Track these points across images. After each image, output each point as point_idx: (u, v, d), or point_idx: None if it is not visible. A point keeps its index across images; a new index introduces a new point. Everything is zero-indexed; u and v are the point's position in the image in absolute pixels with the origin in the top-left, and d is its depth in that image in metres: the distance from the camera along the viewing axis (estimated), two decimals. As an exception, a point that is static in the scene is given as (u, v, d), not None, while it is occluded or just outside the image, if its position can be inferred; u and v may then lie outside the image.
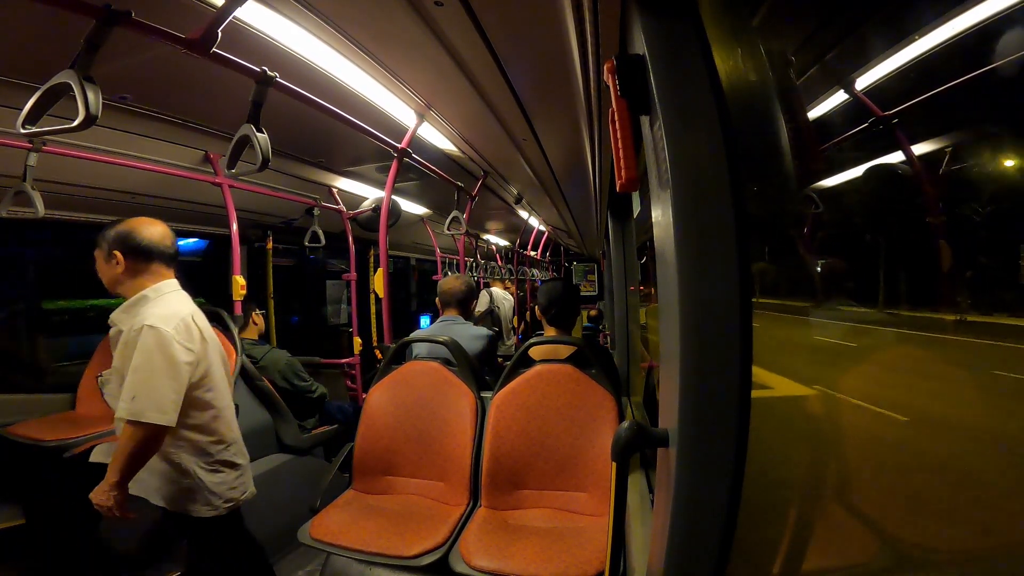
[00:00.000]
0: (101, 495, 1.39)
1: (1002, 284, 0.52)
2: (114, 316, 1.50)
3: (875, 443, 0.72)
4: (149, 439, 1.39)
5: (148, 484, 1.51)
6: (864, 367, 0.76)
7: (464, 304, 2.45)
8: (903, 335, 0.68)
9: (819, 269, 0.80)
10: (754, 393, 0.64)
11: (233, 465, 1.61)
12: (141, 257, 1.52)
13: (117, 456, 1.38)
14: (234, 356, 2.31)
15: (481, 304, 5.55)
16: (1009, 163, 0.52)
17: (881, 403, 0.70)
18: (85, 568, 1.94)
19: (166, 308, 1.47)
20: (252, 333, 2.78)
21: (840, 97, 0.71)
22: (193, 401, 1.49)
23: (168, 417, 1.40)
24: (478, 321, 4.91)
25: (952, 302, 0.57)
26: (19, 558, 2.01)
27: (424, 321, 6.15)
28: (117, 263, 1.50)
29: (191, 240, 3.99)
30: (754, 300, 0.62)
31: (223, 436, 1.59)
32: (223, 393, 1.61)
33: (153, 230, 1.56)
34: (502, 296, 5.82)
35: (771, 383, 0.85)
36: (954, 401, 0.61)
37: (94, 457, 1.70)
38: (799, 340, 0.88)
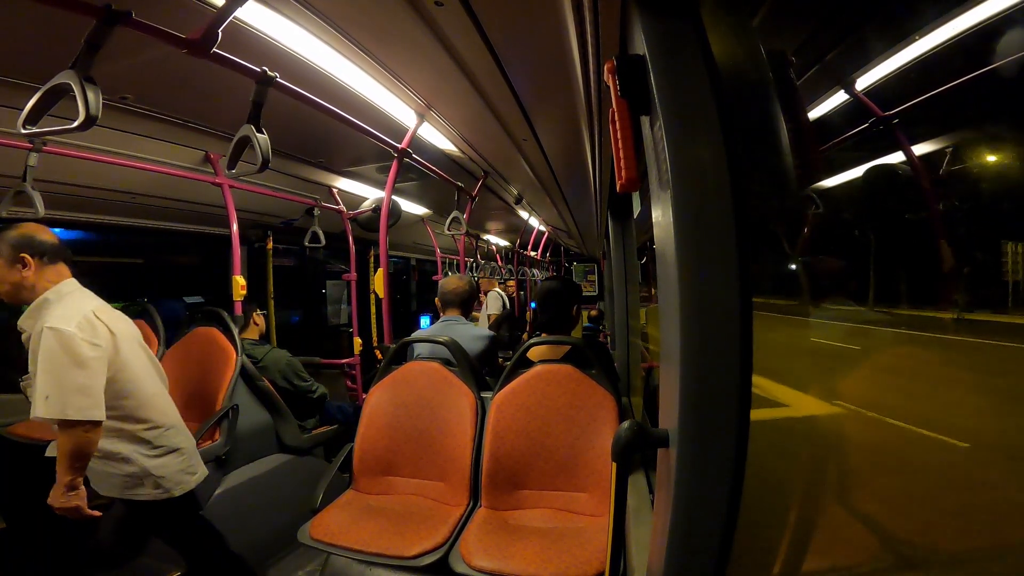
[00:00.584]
0: (59, 499, 1.42)
1: (986, 281, 0.52)
2: (21, 322, 1.51)
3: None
4: (80, 435, 1.41)
5: (95, 480, 1.56)
6: (883, 376, 0.70)
7: (466, 304, 2.45)
8: (908, 336, 0.65)
9: (819, 268, 0.79)
10: (771, 414, 0.62)
11: (174, 450, 1.66)
12: (48, 258, 1.53)
13: (59, 458, 1.42)
14: (234, 356, 2.32)
15: (495, 307, 5.54)
16: (1009, 161, 0.52)
17: (920, 422, 0.61)
18: (76, 569, 1.94)
19: (67, 308, 1.48)
20: (253, 333, 2.78)
21: (840, 97, 0.71)
22: (114, 392, 1.52)
23: (89, 412, 1.41)
24: (500, 324, 4.91)
25: (947, 300, 0.57)
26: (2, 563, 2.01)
27: (424, 321, 6.16)
28: (25, 266, 1.49)
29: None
30: (756, 300, 0.62)
31: (156, 422, 1.63)
32: (147, 381, 1.65)
33: (48, 232, 1.57)
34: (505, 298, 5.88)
35: (786, 398, 0.80)
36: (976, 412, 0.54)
37: (49, 452, 1.72)
38: (809, 346, 0.83)
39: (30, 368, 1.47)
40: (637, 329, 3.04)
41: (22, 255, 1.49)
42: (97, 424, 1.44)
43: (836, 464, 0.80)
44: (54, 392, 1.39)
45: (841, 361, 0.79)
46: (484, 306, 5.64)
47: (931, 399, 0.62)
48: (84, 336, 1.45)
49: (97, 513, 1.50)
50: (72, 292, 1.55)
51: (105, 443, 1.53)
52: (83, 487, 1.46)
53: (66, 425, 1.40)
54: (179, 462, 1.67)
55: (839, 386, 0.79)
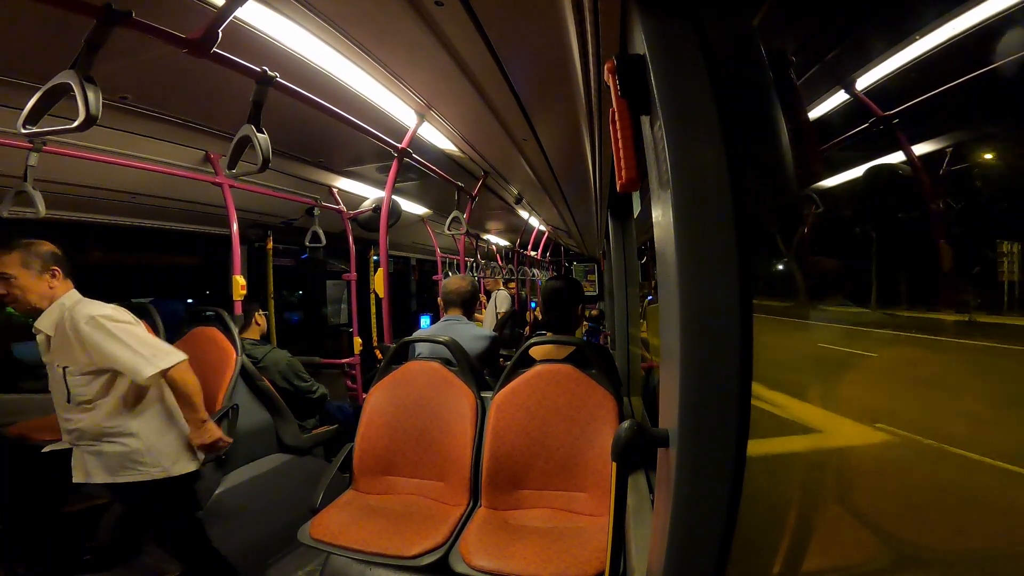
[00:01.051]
0: (200, 437, 1.75)
1: (984, 282, 0.51)
2: (40, 324, 1.70)
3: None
4: (182, 374, 1.72)
5: (94, 466, 1.70)
6: (924, 393, 0.58)
7: (468, 304, 2.45)
8: (924, 341, 0.58)
9: (820, 269, 0.79)
10: (805, 443, 0.57)
11: (175, 430, 1.85)
12: (66, 271, 1.74)
13: (182, 404, 1.75)
14: (234, 356, 2.32)
15: (504, 305, 5.57)
16: (1010, 161, 0.52)
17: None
18: (76, 569, 1.94)
19: (90, 305, 1.70)
20: (254, 333, 2.78)
21: (840, 97, 0.71)
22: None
23: (176, 355, 1.72)
24: (505, 323, 4.91)
25: (950, 301, 0.56)
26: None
27: (424, 321, 6.16)
28: (54, 277, 1.70)
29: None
30: (760, 302, 0.61)
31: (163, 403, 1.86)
32: None
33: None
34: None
35: (814, 420, 0.70)
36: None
37: (48, 448, 1.86)
38: (824, 354, 0.73)
39: (74, 357, 1.66)
40: (636, 336, 3.03)
41: (54, 268, 1.69)
42: (185, 360, 1.73)
43: (906, 508, 0.62)
44: (145, 352, 1.66)
45: (866, 372, 0.68)
46: (492, 304, 5.65)
47: (984, 420, 0.51)
48: (121, 316, 1.69)
49: (229, 440, 1.82)
50: (81, 298, 1.73)
51: (116, 420, 1.70)
52: (211, 421, 1.77)
53: (173, 372, 1.69)
54: (180, 442, 1.81)
55: (874, 403, 0.66)
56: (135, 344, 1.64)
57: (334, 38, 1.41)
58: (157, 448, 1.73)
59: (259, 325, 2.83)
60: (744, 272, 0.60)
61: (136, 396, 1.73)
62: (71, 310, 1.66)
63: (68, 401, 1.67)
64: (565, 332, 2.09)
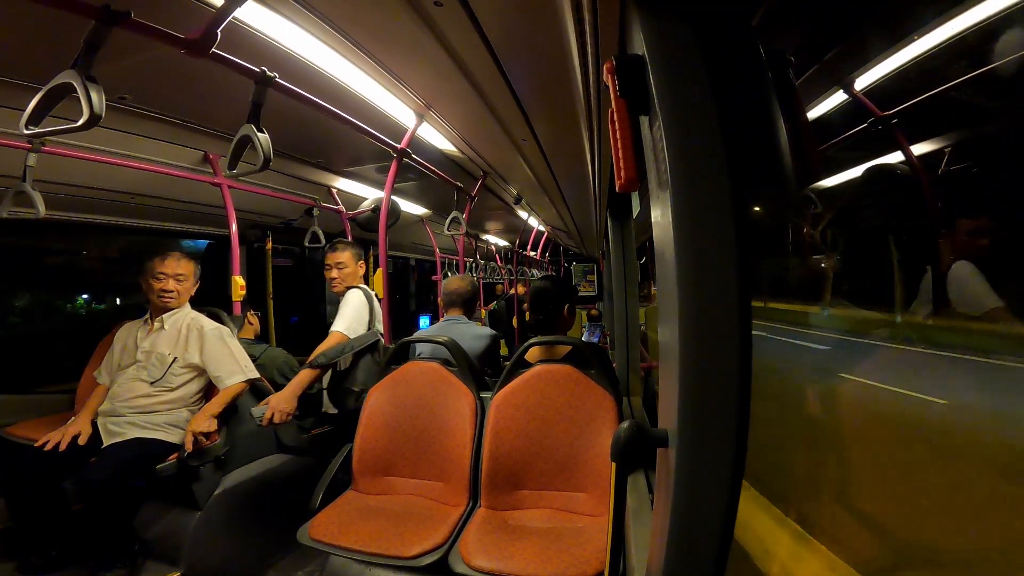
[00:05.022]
0: (204, 424, 1.98)
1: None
2: (167, 318, 2.19)
3: None
4: (243, 385, 2.15)
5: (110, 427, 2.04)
6: None
7: (468, 304, 2.45)
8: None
9: (819, 269, 0.79)
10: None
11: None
12: None
13: (219, 399, 2.07)
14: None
15: (355, 316, 4.03)
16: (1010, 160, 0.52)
17: None
18: (75, 569, 1.94)
19: (206, 318, 2.23)
20: (248, 333, 2.80)
21: (840, 97, 0.71)
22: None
23: (254, 372, 2.21)
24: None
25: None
26: (7, 560, 2.00)
27: (424, 321, 6.15)
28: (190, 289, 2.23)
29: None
30: (765, 304, 0.61)
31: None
32: None
33: None
34: None
35: None
36: None
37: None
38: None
39: (169, 348, 2.13)
40: (635, 335, 3.02)
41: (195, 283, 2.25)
42: (257, 377, 2.23)
43: None
44: (242, 364, 2.15)
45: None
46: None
47: None
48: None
49: (216, 436, 2.06)
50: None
51: (175, 405, 2.11)
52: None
53: (243, 383, 2.14)
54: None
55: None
56: (238, 356, 2.15)
57: (333, 38, 1.41)
58: (175, 427, 2.08)
59: (252, 325, 2.84)
60: (744, 272, 0.60)
61: (201, 394, 2.19)
62: (193, 316, 2.20)
63: (153, 383, 2.06)
64: (553, 334, 2.07)
